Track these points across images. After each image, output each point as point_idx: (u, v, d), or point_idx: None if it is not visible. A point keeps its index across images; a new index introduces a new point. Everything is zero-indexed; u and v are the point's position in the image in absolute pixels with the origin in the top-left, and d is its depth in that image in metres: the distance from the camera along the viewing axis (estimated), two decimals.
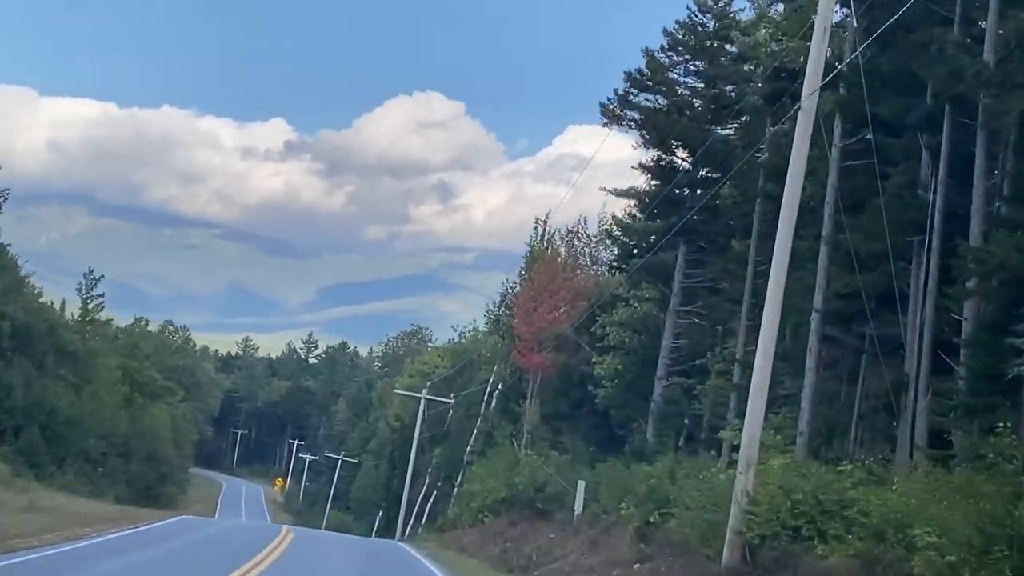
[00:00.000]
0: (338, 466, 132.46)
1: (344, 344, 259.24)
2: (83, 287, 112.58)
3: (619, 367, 49.26)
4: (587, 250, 66.55)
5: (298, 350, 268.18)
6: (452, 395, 77.80)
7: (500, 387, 76.22)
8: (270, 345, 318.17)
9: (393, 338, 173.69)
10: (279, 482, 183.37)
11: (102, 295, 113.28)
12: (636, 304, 50.19)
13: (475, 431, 79.93)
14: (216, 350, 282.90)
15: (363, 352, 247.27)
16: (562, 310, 65.06)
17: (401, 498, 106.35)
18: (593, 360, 51.53)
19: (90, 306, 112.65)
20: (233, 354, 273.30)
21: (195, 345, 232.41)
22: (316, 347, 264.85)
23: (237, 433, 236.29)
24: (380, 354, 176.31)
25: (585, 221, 66.95)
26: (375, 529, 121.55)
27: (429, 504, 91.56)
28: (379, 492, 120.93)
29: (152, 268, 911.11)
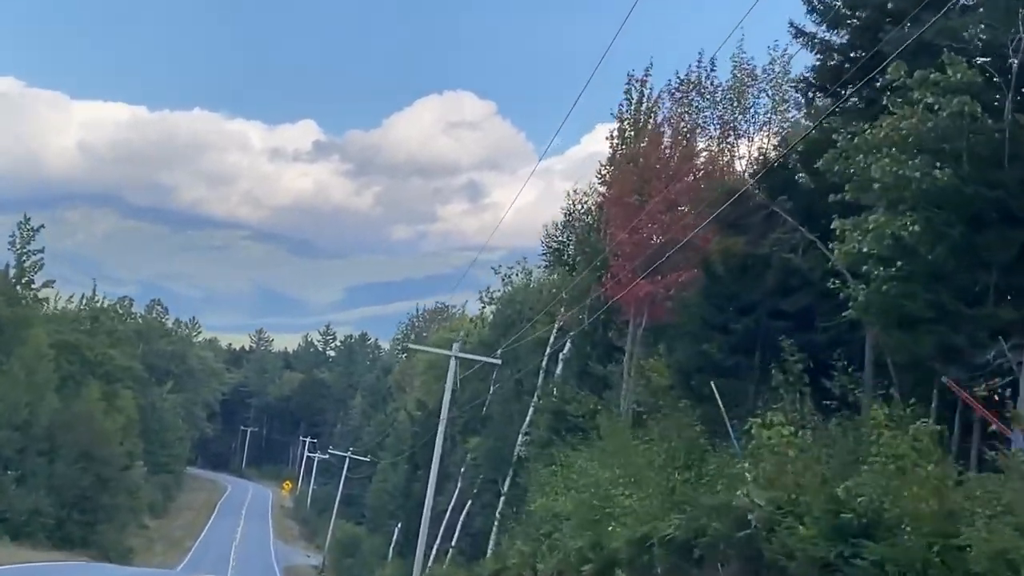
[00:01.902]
0: (345, 466, 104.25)
1: (364, 336, 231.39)
2: (16, 240, 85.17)
3: (912, 228, 20.90)
4: (712, 112, 38.52)
5: (315, 342, 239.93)
6: (498, 353, 50.06)
7: (570, 343, 48.58)
8: (292, 342, 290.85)
9: (414, 317, 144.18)
10: (287, 485, 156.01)
11: (41, 252, 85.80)
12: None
13: (530, 411, 52.40)
14: (230, 344, 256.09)
15: (385, 346, 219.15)
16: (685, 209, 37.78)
17: (424, 507, 79.06)
18: (838, 232, 22.90)
19: (26, 264, 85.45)
20: (247, 348, 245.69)
21: (194, 333, 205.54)
22: (334, 339, 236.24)
23: (246, 431, 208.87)
24: (400, 335, 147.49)
25: (711, 65, 38.59)
26: (392, 545, 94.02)
27: (462, 516, 64.04)
28: (397, 498, 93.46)
29: (180, 269, 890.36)
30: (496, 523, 53.33)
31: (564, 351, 49.82)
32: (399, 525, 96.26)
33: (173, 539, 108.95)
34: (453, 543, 64.06)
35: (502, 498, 53.36)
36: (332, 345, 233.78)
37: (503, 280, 64.18)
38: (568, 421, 42.55)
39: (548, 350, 51.37)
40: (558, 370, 50.17)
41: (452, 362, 45.20)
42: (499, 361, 48.04)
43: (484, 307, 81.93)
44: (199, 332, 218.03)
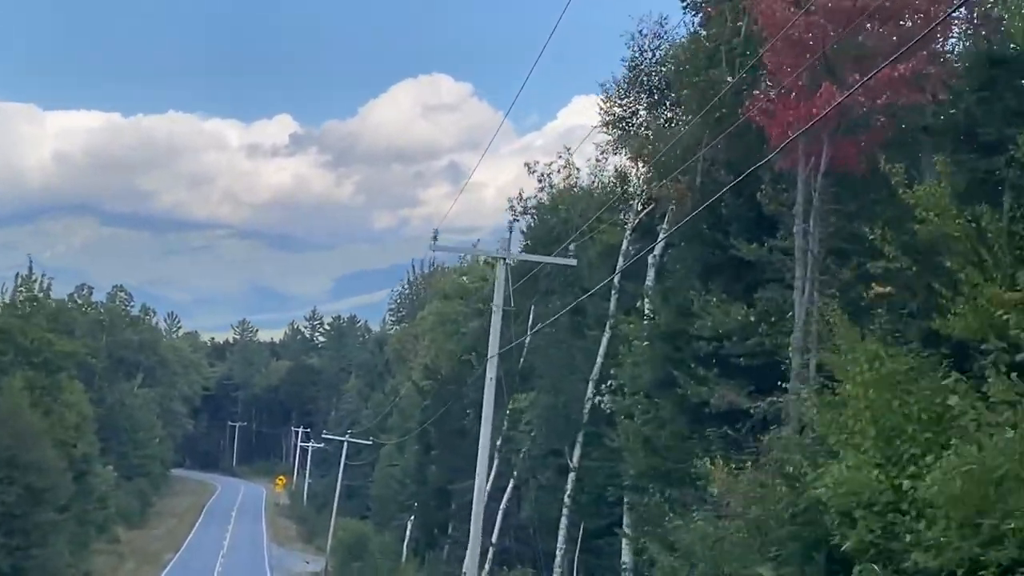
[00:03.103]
0: (343, 452, 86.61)
1: (354, 319, 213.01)
2: None
3: None
4: None
5: (302, 329, 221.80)
6: (570, 252, 32.89)
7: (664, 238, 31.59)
8: (280, 336, 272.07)
9: (406, 285, 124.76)
10: (281, 481, 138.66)
11: None
12: None
13: (602, 348, 35.48)
14: (212, 338, 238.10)
15: (375, 329, 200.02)
16: None
17: (447, 495, 62.32)
18: None
19: None
20: (231, 341, 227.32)
21: (173, 329, 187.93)
22: (321, 324, 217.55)
23: (234, 426, 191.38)
24: (392, 306, 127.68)
25: None
26: (405, 542, 77.42)
27: (503, 505, 47.19)
28: (408, 487, 76.50)
29: (164, 274, 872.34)
30: (565, 512, 36.51)
31: (655, 253, 32.86)
32: (411, 518, 79.56)
33: (148, 553, 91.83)
34: (494, 540, 47.24)
35: (571, 475, 36.53)
36: (320, 331, 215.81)
37: (539, 180, 46.70)
38: (698, 345, 25.65)
39: (626, 243, 34.40)
40: (649, 280, 33.24)
41: (501, 271, 28.08)
42: (573, 260, 30.94)
43: (515, 220, 66.09)
44: (179, 328, 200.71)
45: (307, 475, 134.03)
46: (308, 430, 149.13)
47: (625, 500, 33.16)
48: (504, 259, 28.57)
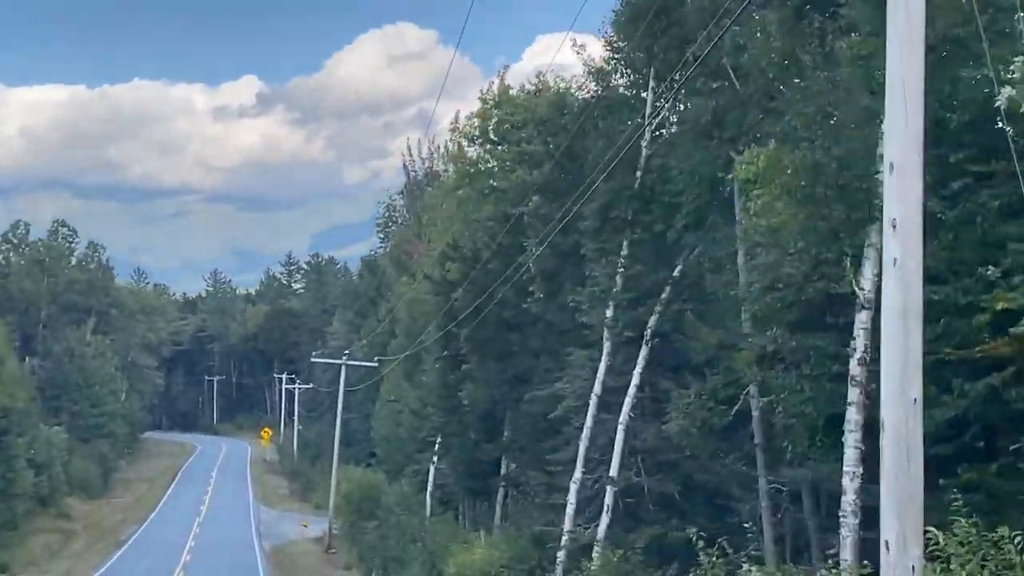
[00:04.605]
0: (342, 378, 65.28)
1: (333, 260, 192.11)
2: None
3: None
4: None
5: (278, 276, 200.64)
6: None
7: None
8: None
9: (396, 196, 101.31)
10: (267, 433, 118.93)
11: None
12: None
13: None
14: (184, 293, 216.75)
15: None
16: None
17: (493, 421, 44.05)
18: None
19: None
20: (203, 295, 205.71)
21: (139, 283, 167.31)
22: (298, 269, 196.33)
23: (212, 380, 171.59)
24: (380, 221, 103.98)
25: None
26: (428, 491, 58.87)
27: (622, 418, 27.87)
28: (426, 419, 57.11)
29: (143, 244, 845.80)
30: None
31: None
32: (433, 460, 60.43)
33: (106, 528, 72.57)
34: (614, 472, 28.10)
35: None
36: (298, 274, 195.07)
37: None
38: None
39: None
40: None
41: None
42: None
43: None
44: (147, 282, 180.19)
45: (295, 423, 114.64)
46: (292, 376, 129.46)
47: None
48: None
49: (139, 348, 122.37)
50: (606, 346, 29.16)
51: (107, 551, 62.52)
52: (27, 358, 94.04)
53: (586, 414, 29.50)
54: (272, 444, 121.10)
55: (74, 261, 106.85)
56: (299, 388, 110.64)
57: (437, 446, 58.82)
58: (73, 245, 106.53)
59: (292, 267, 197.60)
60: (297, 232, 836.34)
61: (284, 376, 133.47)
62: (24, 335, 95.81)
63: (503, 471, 44.08)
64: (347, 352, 64.00)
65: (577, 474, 28.89)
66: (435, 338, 50.81)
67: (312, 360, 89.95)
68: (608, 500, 27.52)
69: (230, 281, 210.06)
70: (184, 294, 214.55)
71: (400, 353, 66.76)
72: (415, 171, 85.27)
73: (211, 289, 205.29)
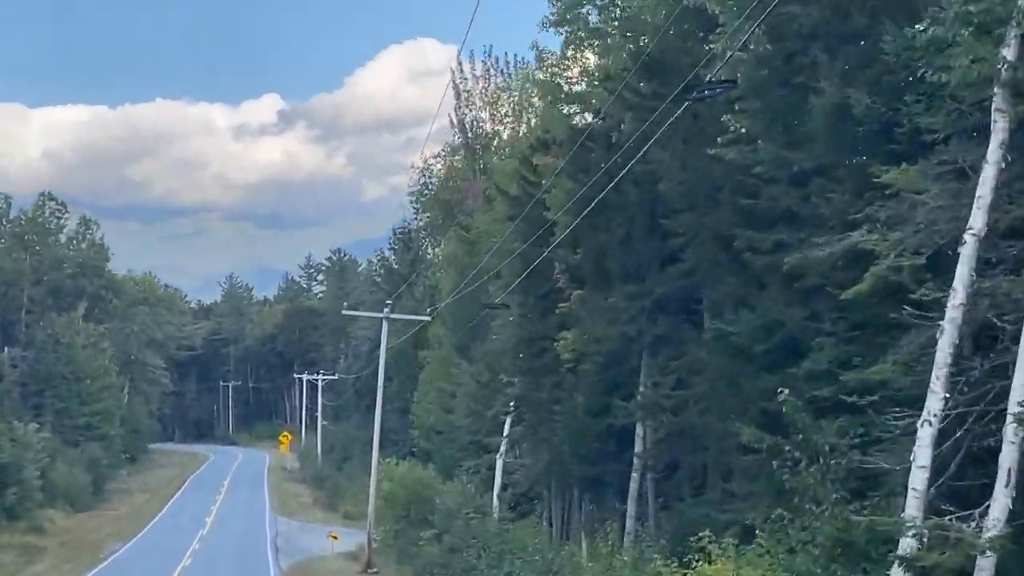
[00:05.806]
0: (383, 337, 48.89)
1: (355, 259, 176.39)
2: None
3: None
4: None
5: (297, 279, 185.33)
6: None
7: None
8: None
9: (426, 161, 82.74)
10: (286, 438, 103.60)
11: None
12: None
13: None
14: (200, 300, 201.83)
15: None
16: None
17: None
18: None
19: None
20: (218, 301, 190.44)
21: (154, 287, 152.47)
22: (318, 272, 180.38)
23: (227, 386, 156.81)
24: (413, 191, 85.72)
25: None
26: (495, 492, 44.56)
27: None
28: (496, 395, 42.31)
29: (163, 262, 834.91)
30: None
31: None
32: (501, 452, 45.81)
33: (85, 545, 57.73)
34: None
35: None
36: (318, 279, 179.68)
37: None
38: None
39: None
40: None
41: None
42: None
43: None
44: (159, 286, 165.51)
45: (319, 422, 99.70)
46: (314, 378, 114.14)
47: None
48: None
49: (142, 343, 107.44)
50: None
51: (75, 573, 47.56)
52: (5, 348, 79.74)
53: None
54: (292, 450, 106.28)
55: (63, 239, 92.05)
56: (323, 379, 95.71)
57: (507, 429, 44.19)
58: (62, 221, 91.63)
59: (311, 270, 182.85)
60: (316, 248, 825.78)
61: (305, 377, 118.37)
62: (3, 321, 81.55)
63: (640, 447, 29.01)
64: (388, 303, 49.01)
65: (935, 406, 13.74)
66: (513, 272, 35.96)
67: (343, 313, 74.67)
68: (1012, 457, 12.65)
69: (247, 284, 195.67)
70: (199, 300, 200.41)
71: (448, 313, 51.71)
72: (467, 91, 70.01)
73: (226, 294, 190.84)
